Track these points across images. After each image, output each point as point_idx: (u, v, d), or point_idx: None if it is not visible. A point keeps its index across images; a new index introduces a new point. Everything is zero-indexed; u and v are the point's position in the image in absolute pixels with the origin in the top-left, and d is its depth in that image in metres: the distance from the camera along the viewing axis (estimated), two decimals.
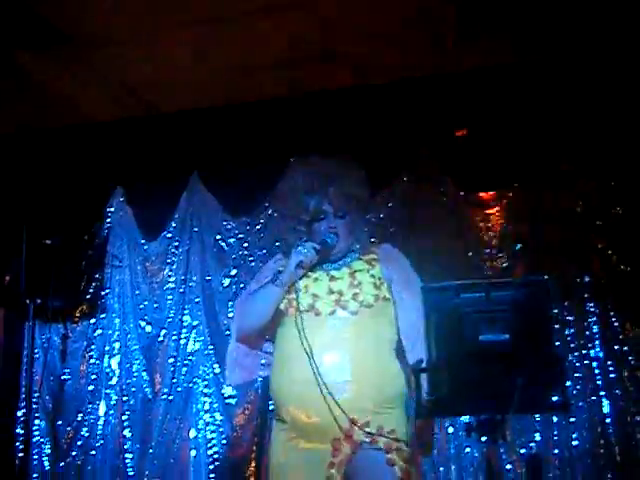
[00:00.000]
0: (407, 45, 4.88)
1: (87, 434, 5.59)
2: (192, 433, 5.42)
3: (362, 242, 3.12)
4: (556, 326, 4.63)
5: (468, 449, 4.80)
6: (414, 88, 5.28)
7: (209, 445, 5.37)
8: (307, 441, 2.82)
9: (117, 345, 5.69)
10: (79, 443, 5.59)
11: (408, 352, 2.82)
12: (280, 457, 2.91)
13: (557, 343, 4.18)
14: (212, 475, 5.31)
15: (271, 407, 5.09)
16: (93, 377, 5.68)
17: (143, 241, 5.80)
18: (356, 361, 2.78)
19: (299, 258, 2.91)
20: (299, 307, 2.88)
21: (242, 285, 5.51)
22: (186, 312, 5.61)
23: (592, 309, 4.88)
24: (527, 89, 5.06)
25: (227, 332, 5.46)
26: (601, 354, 4.82)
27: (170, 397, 5.50)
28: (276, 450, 2.94)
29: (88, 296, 5.78)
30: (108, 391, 5.64)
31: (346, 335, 2.83)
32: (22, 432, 5.24)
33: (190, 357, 5.54)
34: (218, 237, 5.66)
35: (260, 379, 3.44)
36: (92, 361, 5.71)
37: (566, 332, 4.85)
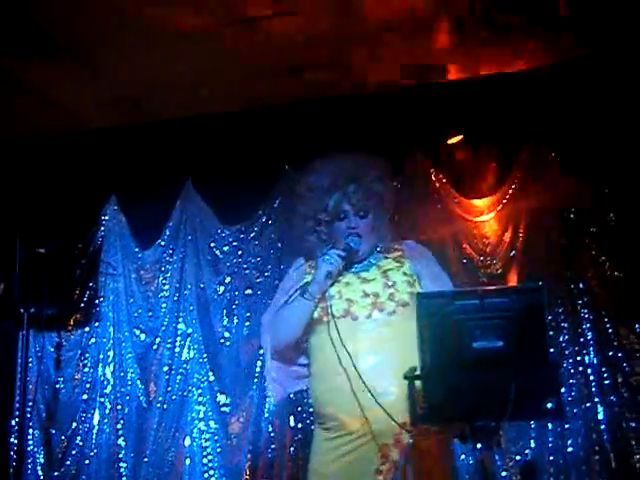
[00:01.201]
0: (402, 51, 4.90)
1: (81, 443, 5.58)
2: (187, 441, 5.41)
3: (386, 240, 3.06)
4: (550, 333, 4.64)
5: (463, 456, 4.79)
6: (410, 94, 5.29)
7: (204, 453, 5.36)
8: (353, 449, 2.76)
9: (111, 353, 5.68)
10: (73, 452, 5.58)
11: None
12: (324, 467, 2.83)
13: (551, 350, 4.19)
14: None
15: (266, 414, 5.19)
16: (87, 386, 5.66)
17: (137, 249, 5.80)
18: (398, 363, 2.69)
19: (327, 268, 2.83)
20: (334, 314, 2.82)
21: (236, 293, 5.51)
22: (180, 320, 5.61)
23: (586, 315, 4.89)
24: (522, 96, 5.08)
25: (221, 340, 5.47)
26: (595, 360, 4.82)
27: (165, 405, 5.48)
28: (320, 460, 2.87)
29: (82, 305, 5.77)
30: (102, 400, 5.62)
31: (386, 337, 2.77)
32: (16, 441, 5.21)
33: (185, 365, 5.54)
34: (212, 245, 5.66)
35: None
36: (86, 370, 5.70)
37: (560, 339, 4.86)
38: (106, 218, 5.87)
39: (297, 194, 3.13)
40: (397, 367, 2.69)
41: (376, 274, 2.91)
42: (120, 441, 5.52)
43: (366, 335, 2.79)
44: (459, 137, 5.25)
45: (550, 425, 4.76)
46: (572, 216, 5.02)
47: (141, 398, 5.56)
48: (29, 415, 5.39)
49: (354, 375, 2.71)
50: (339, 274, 2.92)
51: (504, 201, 5.19)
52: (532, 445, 4.80)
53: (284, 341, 2.98)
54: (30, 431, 5.61)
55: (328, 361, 2.83)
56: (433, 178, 5.30)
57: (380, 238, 3.04)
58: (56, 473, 5.56)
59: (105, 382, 5.65)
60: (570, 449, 4.74)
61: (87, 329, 5.77)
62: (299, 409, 5.13)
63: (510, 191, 5.17)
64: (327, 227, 3.01)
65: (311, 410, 2.97)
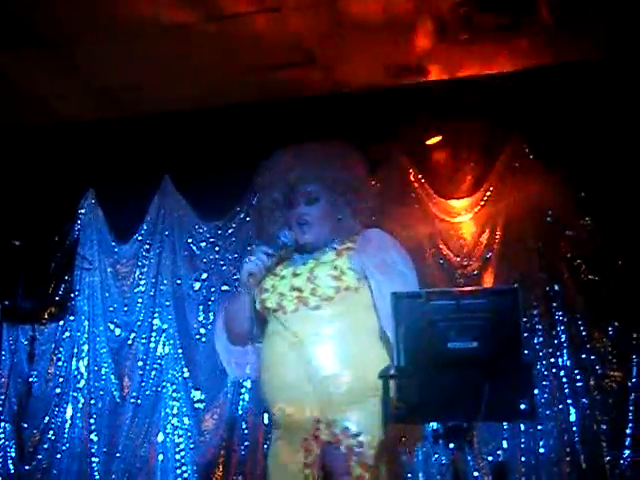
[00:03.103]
0: (383, 51, 4.92)
1: (53, 437, 5.55)
2: (160, 437, 5.40)
3: (344, 229, 2.95)
4: (525, 334, 4.66)
5: (436, 456, 4.82)
6: (390, 95, 5.30)
7: (177, 449, 5.35)
8: (286, 443, 2.79)
9: (86, 348, 5.66)
10: (45, 446, 5.55)
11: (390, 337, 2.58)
12: (269, 458, 2.90)
13: (526, 351, 4.21)
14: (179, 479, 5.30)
15: (240, 411, 5.20)
16: (61, 380, 5.64)
17: (114, 243, 5.78)
18: (319, 356, 2.71)
19: (249, 269, 2.87)
20: (268, 307, 2.86)
21: (213, 289, 5.51)
22: (156, 315, 5.59)
23: (561, 318, 4.93)
24: (501, 99, 5.10)
25: (197, 336, 5.46)
26: (569, 363, 4.86)
27: (138, 401, 5.47)
28: (269, 452, 2.94)
29: (57, 298, 5.74)
30: (75, 394, 5.60)
31: (309, 331, 2.76)
32: None
33: (159, 361, 5.53)
34: (189, 240, 5.66)
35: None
36: (60, 364, 5.68)
37: (535, 340, 4.89)
38: (83, 211, 5.85)
39: (257, 184, 3.15)
40: (319, 359, 2.71)
41: (306, 269, 2.88)
42: (93, 436, 5.51)
43: (292, 329, 2.78)
44: (438, 138, 5.27)
45: (522, 426, 4.79)
46: (548, 219, 5.05)
47: (115, 393, 5.54)
48: (1, 408, 5.36)
49: (278, 369, 2.76)
50: (270, 268, 2.92)
51: (482, 203, 5.22)
52: (504, 446, 4.83)
53: (233, 329, 3.04)
54: (1, 424, 5.57)
55: (263, 352, 2.89)
56: (412, 178, 5.32)
57: (339, 226, 2.96)
58: (27, 467, 5.52)
59: (79, 376, 5.63)
60: (542, 450, 4.78)
61: (62, 323, 5.74)
62: None
63: (488, 193, 5.20)
64: (283, 216, 2.99)
65: None
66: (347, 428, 2.66)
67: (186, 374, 5.44)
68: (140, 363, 5.54)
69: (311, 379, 2.69)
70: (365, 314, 2.81)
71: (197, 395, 5.40)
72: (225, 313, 3.14)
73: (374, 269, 2.80)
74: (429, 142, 5.28)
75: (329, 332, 2.76)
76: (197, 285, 5.58)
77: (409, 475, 4.85)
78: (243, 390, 5.25)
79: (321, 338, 2.75)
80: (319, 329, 2.76)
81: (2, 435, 5.61)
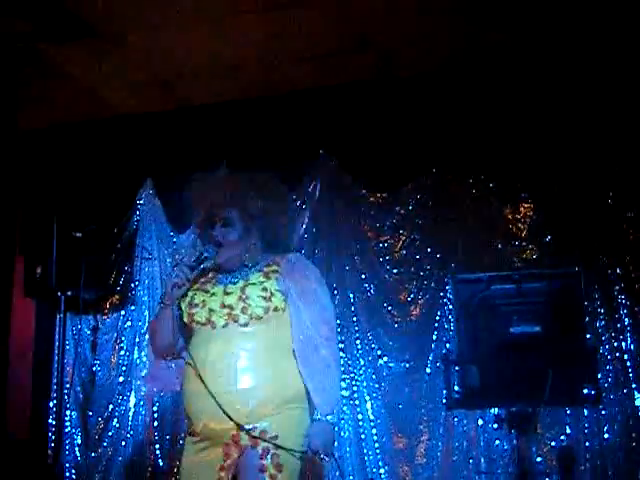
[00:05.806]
0: (435, 38, 4.88)
1: (117, 425, 5.65)
2: None
3: (257, 252, 3.12)
4: (587, 318, 4.60)
5: (498, 441, 4.78)
6: (443, 80, 5.26)
7: None
8: (203, 448, 2.94)
9: (147, 337, 5.72)
10: (110, 434, 5.65)
11: (299, 361, 2.93)
12: (183, 461, 3.04)
13: (588, 335, 4.16)
14: None
15: None
16: (123, 369, 5.73)
17: (172, 233, 5.83)
18: (244, 369, 2.88)
19: (173, 281, 3.02)
20: (197, 321, 3.00)
21: None
22: None
23: (623, 301, 4.85)
24: (558, 80, 5.03)
25: None
26: (632, 346, 4.78)
27: None
28: (183, 458, 3.07)
29: (118, 288, 5.83)
30: (138, 383, 5.68)
31: (237, 346, 2.91)
32: (54, 423, 5.29)
33: None
34: None
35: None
36: (122, 353, 5.76)
37: (597, 324, 4.82)
38: (141, 202, 5.91)
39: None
40: (244, 372, 2.88)
41: (237, 288, 3.03)
42: (156, 424, 5.58)
43: (222, 343, 2.94)
44: None
45: (586, 411, 4.73)
46: (609, 201, 4.96)
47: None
48: (66, 397, 5.46)
49: (208, 379, 2.89)
50: (194, 280, 3.09)
51: (540, 186, 5.14)
52: (567, 431, 4.78)
53: (160, 343, 3.18)
54: (68, 413, 5.69)
55: (188, 365, 3.02)
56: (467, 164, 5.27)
57: (253, 250, 3.13)
58: (93, 454, 5.64)
59: (141, 365, 5.71)
60: (606, 435, 4.72)
61: (123, 312, 5.84)
62: None
63: (544, 176, 5.13)
64: (206, 233, 3.20)
65: None
66: (265, 430, 2.81)
67: None
68: None
69: (233, 389, 2.85)
70: (289, 332, 3.01)
71: None
72: (150, 327, 3.36)
73: (296, 295, 3.01)
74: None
75: (254, 347, 2.93)
76: None
77: (471, 461, 4.84)
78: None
79: (246, 352, 2.92)
80: (246, 344, 2.93)
81: (68, 423, 5.73)
